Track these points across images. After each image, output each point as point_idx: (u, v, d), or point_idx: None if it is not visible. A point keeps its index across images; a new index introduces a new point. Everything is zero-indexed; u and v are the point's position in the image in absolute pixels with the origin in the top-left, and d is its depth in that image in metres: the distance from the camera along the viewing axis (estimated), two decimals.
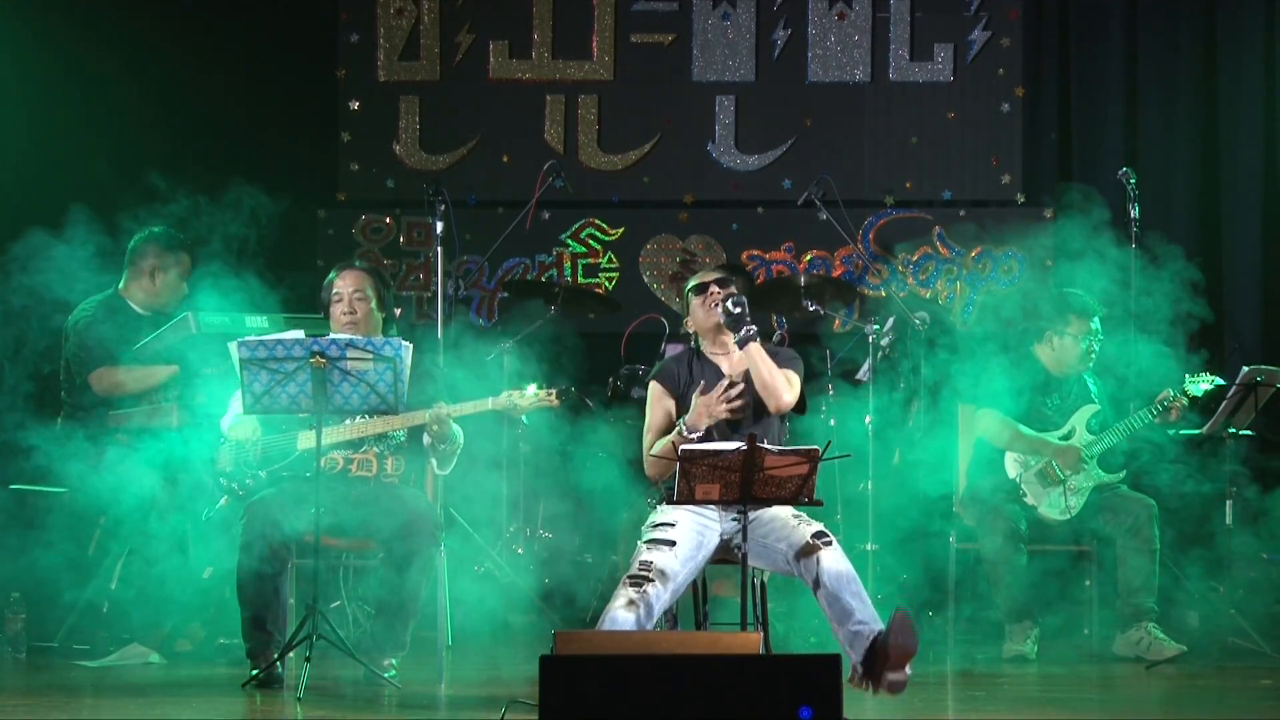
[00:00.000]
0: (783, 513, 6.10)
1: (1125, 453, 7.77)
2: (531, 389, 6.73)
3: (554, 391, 6.76)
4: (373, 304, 6.92)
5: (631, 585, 5.87)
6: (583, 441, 8.41)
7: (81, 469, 7.31)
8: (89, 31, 9.43)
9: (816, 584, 5.88)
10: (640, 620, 5.82)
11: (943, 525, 8.12)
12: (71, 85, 9.10)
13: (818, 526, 6.01)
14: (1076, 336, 7.74)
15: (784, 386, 6.28)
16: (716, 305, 6.33)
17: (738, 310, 6.25)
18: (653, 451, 6.28)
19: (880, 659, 5.76)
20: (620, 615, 5.81)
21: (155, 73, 9.58)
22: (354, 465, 6.84)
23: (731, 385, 6.25)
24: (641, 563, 5.93)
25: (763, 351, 6.27)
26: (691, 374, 6.37)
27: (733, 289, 6.33)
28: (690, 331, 6.50)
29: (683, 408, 6.31)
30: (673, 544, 6.00)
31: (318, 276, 7.17)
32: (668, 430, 6.31)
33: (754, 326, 6.27)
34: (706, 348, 6.45)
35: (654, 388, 6.41)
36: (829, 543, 5.94)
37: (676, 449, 5.91)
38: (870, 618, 5.86)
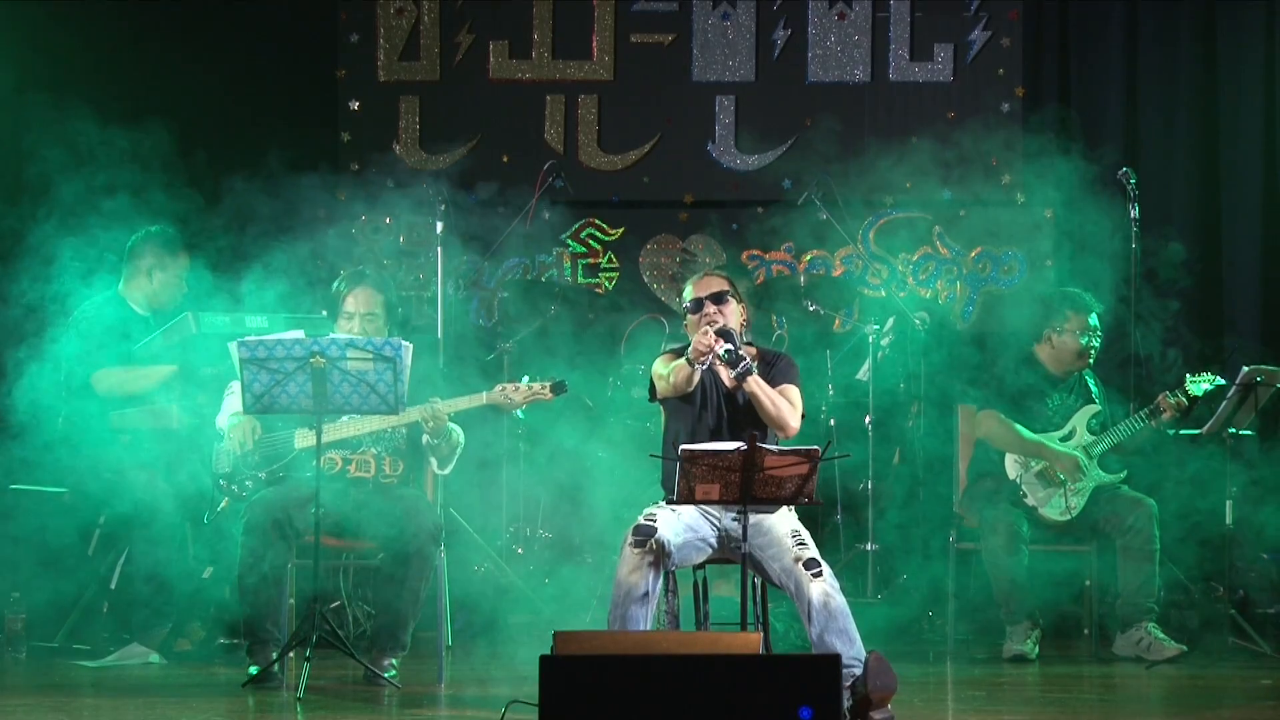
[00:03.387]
0: (781, 528, 6.08)
1: (1125, 453, 7.77)
2: (525, 381, 6.74)
3: (547, 384, 6.77)
4: (381, 323, 6.95)
5: (636, 544, 5.92)
6: (582, 441, 8.40)
7: (81, 469, 7.32)
8: (88, 32, 9.42)
9: (805, 616, 5.92)
10: (648, 584, 5.87)
11: (943, 525, 8.11)
12: (70, 86, 9.09)
13: (810, 554, 5.99)
14: (1075, 333, 7.75)
15: (789, 413, 6.22)
16: (709, 326, 6.22)
17: (727, 352, 6.08)
18: (663, 372, 6.28)
19: (862, 702, 5.77)
20: (627, 580, 5.87)
21: (155, 72, 9.57)
22: (352, 466, 6.85)
23: (707, 320, 6.21)
24: (646, 514, 6.02)
25: (762, 384, 6.20)
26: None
27: (723, 323, 6.22)
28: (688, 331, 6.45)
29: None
30: (674, 512, 6.07)
31: (318, 277, 7.17)
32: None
33: (747, 359, 6.13)
34: None
35: (662, 357, 6.38)
36: (818, 574, 5.92)
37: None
38: (854, 658, 5.87)
